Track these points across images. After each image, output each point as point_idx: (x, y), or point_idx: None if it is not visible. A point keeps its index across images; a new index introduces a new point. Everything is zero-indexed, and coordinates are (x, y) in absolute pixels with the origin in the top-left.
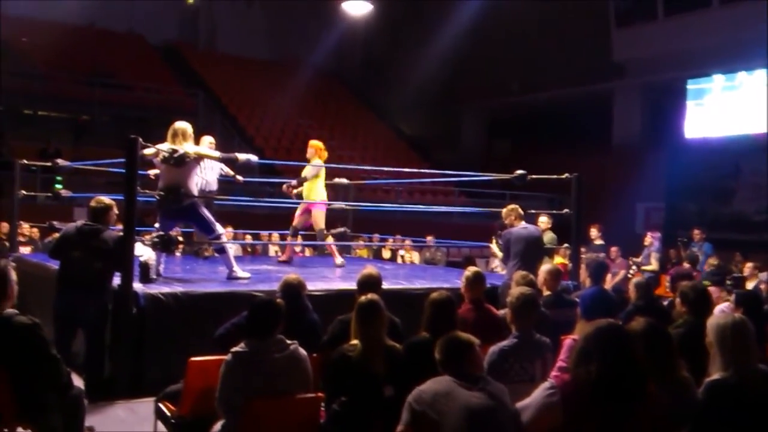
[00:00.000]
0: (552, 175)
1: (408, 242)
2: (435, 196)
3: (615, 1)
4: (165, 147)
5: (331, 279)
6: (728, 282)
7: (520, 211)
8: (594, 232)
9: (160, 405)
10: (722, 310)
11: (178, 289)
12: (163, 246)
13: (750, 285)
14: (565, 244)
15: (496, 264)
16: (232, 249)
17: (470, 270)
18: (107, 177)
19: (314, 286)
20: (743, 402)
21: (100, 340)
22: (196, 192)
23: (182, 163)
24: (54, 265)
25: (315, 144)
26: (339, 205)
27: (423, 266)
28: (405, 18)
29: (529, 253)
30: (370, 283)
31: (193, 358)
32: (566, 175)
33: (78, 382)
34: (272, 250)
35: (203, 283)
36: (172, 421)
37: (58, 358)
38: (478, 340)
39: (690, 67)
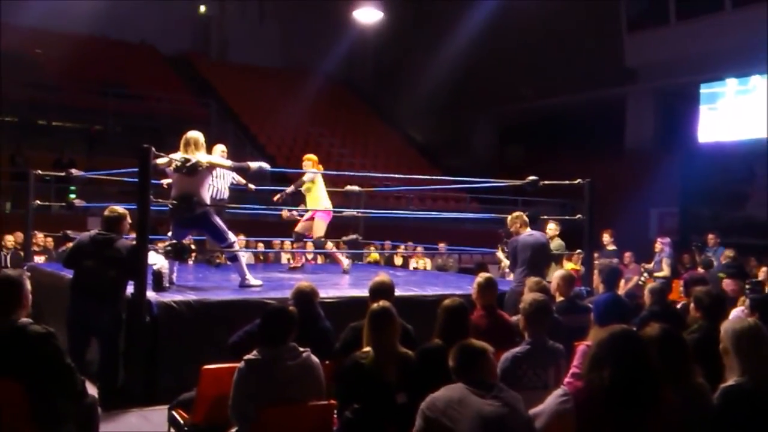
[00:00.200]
0: (564, 180)
1: (420, 249)
2: (447, 202)
3: (627, 6)
4: (177, 156)
5: (343, 286)
6: (747, 287)
7: (525, 218)
8: (606, 238)
9: (174, 413)
10: (737, 315)
11: (191, 297)
12: (176, 254)
13: (766, 289)
14: (578, 250)
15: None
16: (245, 257)
17: (482, 276)
18: (120, 186)
19: (326, 293)
20: (759, 408)
21: (113, 348)
22: (208, 201)
23: (195, 172)
24: (68, 274)
25: (309, 157)
26: (350, 212)
27: (435, 273)
28: (415, 25)
29: (536, 260)
30: (382, 290)
31: (206, 366)
32: (579, 180)
33: (92, 390)
34: (284, 257)
35: (216, 291)
36: (186, 428)
37: (72, 367)
38: (491, 347)
39: (703, 71)
